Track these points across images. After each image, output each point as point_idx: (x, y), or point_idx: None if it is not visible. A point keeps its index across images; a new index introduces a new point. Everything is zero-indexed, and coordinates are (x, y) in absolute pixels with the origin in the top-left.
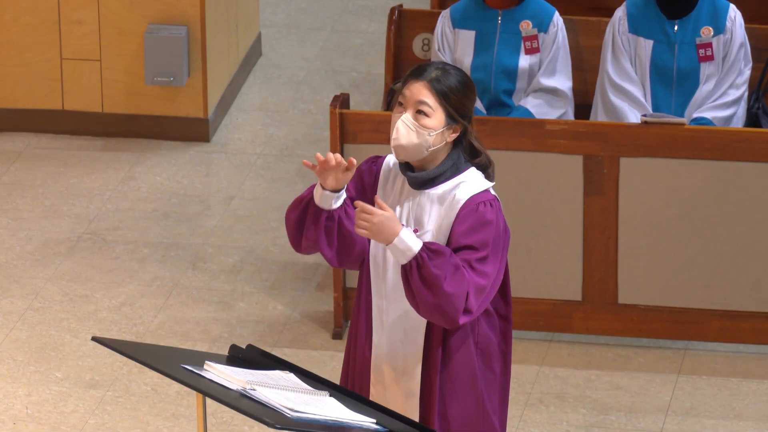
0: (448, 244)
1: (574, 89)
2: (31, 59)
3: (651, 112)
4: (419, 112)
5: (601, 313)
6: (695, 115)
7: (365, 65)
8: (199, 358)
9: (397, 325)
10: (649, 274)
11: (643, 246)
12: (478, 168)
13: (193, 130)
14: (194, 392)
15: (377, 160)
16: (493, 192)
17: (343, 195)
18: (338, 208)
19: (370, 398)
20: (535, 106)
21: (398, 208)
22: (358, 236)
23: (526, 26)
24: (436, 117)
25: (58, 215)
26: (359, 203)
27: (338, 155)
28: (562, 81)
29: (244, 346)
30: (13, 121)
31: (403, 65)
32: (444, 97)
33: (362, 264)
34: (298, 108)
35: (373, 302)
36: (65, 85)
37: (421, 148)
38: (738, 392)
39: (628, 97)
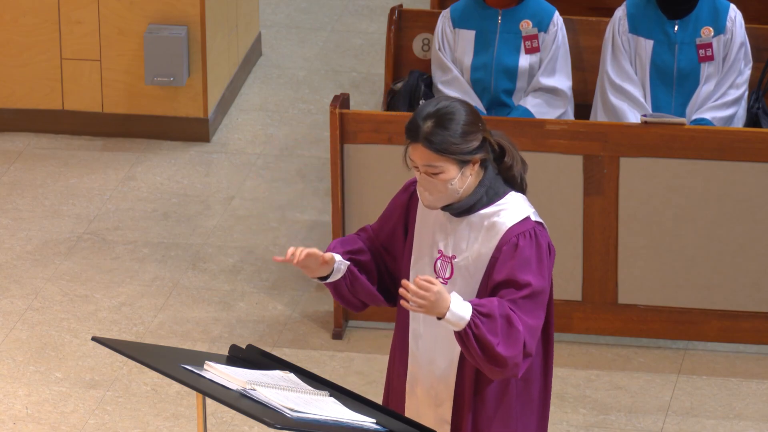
0: (490, 277)
1: (574, 89)
2: (31, 59)
3: (651, 112)
4: (430, 173)
5: (601, 313)
6: (695, 116)
7: (365, 65)
8: (199, 358)
9: (431, 351)
10: (649, 274)
11: (643, 246)
12: (503, 172)
13: (193, 130)
14: (194, 392)
15: (416, 184)
16: (534, 218)
17: (341, 270)
18: (339, 279)
19: None
20: (534, 105)
21: (438, 235)
22: (374, 285)
23: (526, 26)
24: (448, 170)
25: (58, 215)
26: (406, 283)
27: (298, 250)
28: (562, 80)
29: (244, 346)
30: (13, 121)
31: (403, 65)
32: (443, 152)
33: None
34: (298, 108)
35: (410, 326)
36: (65, 85)
37: (452, 195)
38: (738, 392)
39: (627, 97)
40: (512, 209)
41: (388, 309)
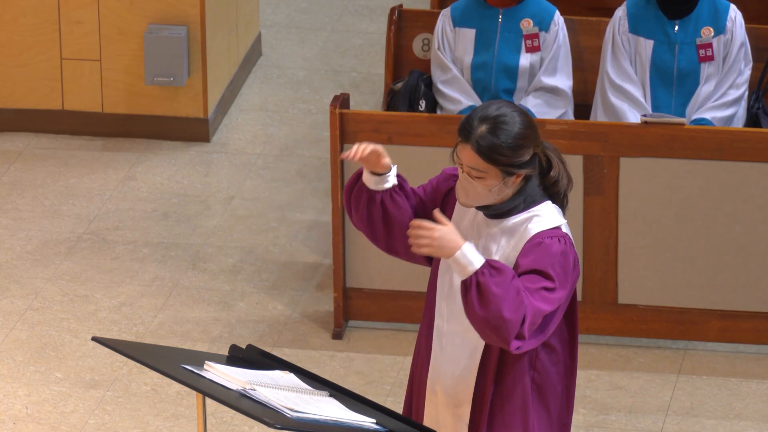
0: None
1: (574, 89)
2: (31, 59)
3: (651, 112)
4: (473, 176)
5: (601, 313)
6: (695, 116)
7: (365, 65)
8: (199, 358)
9: (453, 349)
10: (649, 274)
11: (643, 246)
12: (548, 186)
13: (193, 130)
14: (194, 392)
15: (456, 179)
16: (564, 229)
17: (390, 181)
18: (383, 191)
19: (424, 418)
20: (535, 105)
21: (471, 236)
22: (402, 225)
23: (527, 25)
24: (491, 177)
25: (58, 215)
26: (415, 221)
27: (361, 148)
28: (563, 80)
29: (244, 346)
30: (13, 121)
31: (403, 65)
32: (491, 160)
33: (430, 283)
34: (298, 108)
35: (435, 322)
36: (65, 85)
37: (489, 198)
38: (738, 392)
39: (627, 97)
40: (545, 217)
41: (389, 309)
